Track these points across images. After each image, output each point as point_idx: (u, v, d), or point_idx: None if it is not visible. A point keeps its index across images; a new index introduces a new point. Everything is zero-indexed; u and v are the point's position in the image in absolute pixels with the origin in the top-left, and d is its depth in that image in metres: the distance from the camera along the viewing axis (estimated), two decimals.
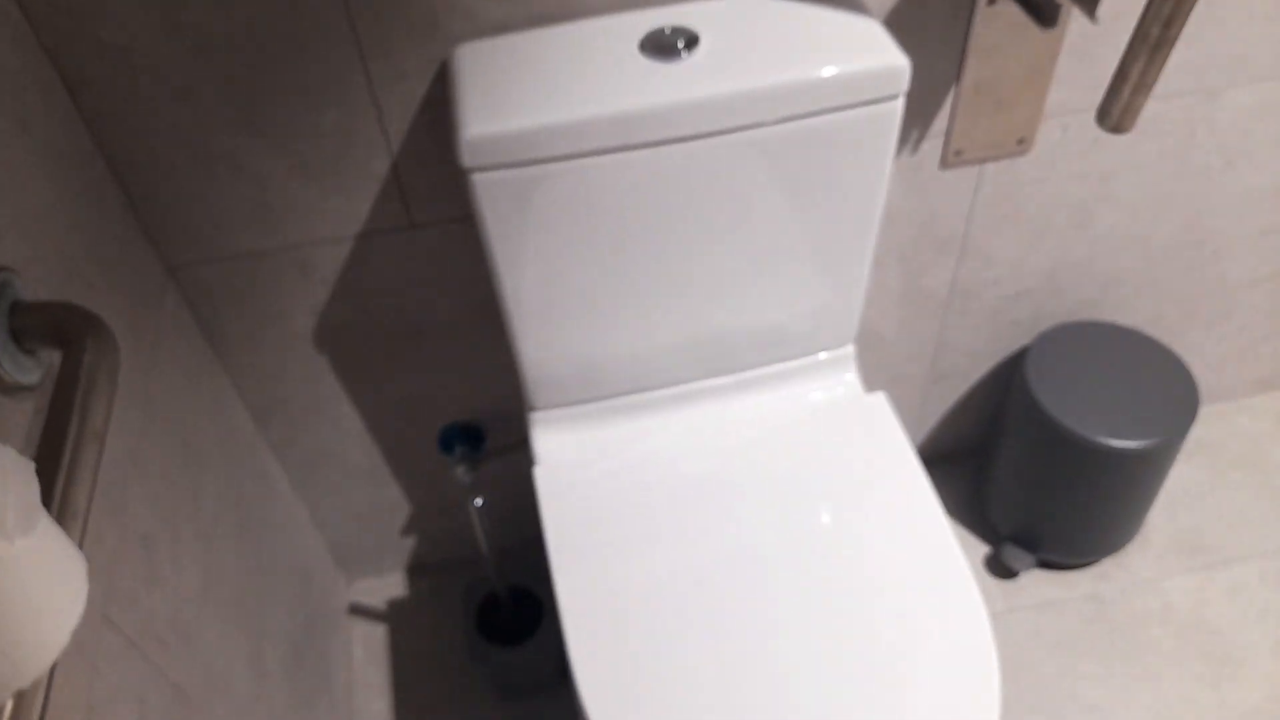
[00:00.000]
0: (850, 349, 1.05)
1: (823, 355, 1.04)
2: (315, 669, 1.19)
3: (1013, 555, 1.33)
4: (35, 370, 0.64)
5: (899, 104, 0.82)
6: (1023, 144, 1.05)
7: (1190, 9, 0.72)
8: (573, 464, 0.99)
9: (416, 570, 1.45)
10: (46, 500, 0.51)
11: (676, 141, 0.79)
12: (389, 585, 1.43)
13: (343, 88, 0.86)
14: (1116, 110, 0.80)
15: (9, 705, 0.44)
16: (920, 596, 0.87)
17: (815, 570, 0.89)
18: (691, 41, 0.81)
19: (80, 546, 0.51)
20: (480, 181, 0.78)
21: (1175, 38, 0.74)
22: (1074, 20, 0.95)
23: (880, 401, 1.02)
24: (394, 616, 1.40)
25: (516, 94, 0.78)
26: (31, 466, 0.44)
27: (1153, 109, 1.06)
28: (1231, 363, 1.45)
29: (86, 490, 0.54)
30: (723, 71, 0.78)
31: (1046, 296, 1.25)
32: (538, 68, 0.81)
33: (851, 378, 1.06)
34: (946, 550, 0.90)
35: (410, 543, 1.40)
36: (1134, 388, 1.19)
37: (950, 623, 0.85)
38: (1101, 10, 0.86)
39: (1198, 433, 1.49)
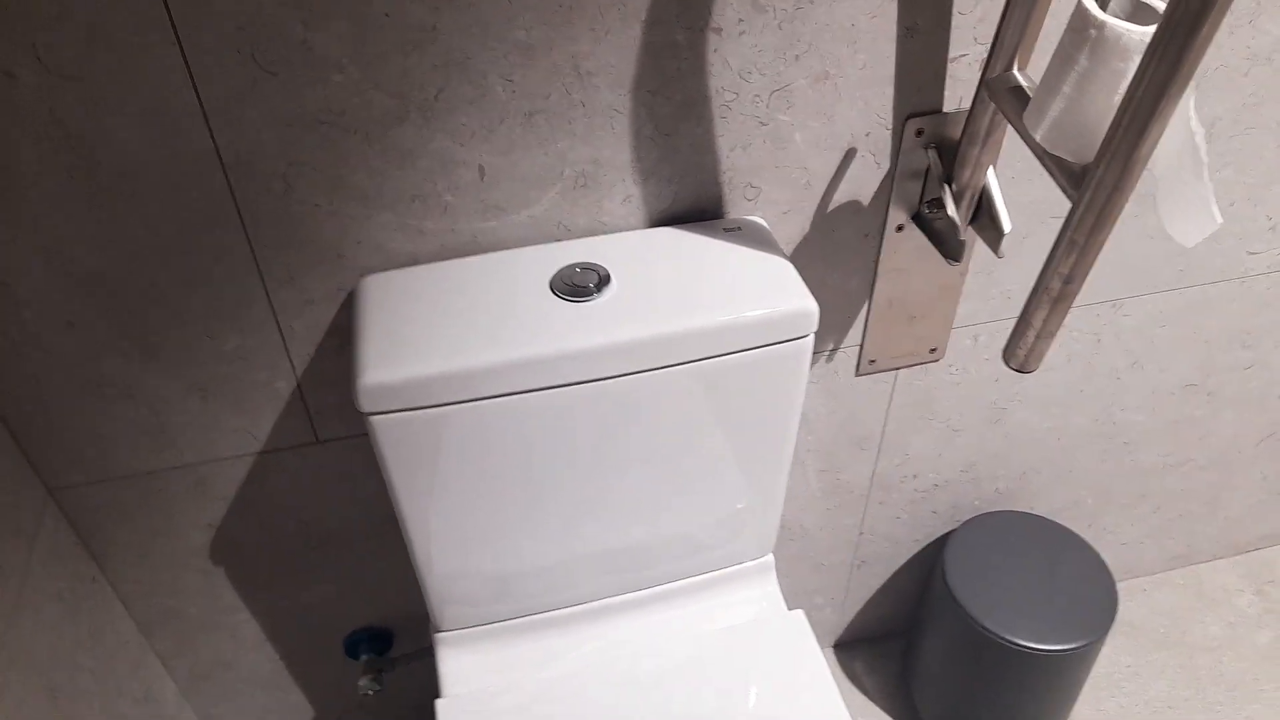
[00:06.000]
0: (769, 559, 1.03)
1: (741, 566, 1.02)
2: None
3: None
4: None
5: (809, 341, 0.82)
6: (935, 352, 1.06)
7: (1090, 267, 0.73)
8: (478, 696, 0.94)
9: None
10: None
11: (588, 382, 0.77)
12: None
13: (245, 314, 0.83)
14: (1022, 353, 0.81)
15: None
16: None
17: None
18: (603, 281, 0.80)
19: None
20: (380, 424, 0.76)
21: (1076, 291, 0.75)
22: (978, 243, 0.98)
23: (799, 620, 0.99)
24: None
25: (418, 334, 0.76)
26: None
27: None
28: (1148, 541, 1.47)
29: None
30: (635, 314, 0.77)
31: (964, 487, 1.25)
32: (443, 305, 0.79)
33: (772, 590, 1.03)
34: None
35: None
36: (1052, 583, 1.19)
37: None
38: (1005, 245, 0.88)
39: (1119, 611, 1.49)
